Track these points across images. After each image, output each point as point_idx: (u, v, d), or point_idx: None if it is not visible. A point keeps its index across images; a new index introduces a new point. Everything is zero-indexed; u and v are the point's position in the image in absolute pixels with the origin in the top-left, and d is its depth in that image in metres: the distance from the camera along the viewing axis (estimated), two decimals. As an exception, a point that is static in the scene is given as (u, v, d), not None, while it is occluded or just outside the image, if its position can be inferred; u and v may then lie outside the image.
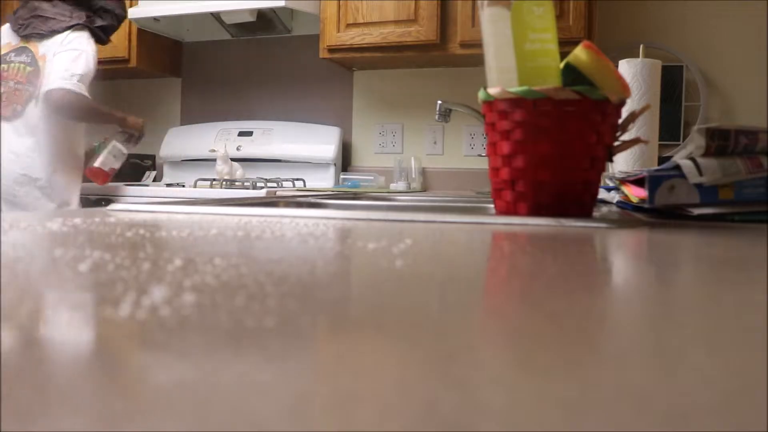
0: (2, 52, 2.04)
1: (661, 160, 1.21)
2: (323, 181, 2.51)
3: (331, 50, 2.32)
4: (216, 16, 2.52)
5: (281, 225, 0.62)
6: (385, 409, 0.14)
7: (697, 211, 0.77)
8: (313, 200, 1.33)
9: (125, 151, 2.09)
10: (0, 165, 1.93)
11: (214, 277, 0.32)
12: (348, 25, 2.28)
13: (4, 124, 1.97)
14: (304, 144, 2.55)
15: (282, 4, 2.30)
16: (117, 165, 2.09)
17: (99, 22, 2.05)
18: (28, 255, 0.38)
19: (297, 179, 2.40)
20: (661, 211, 0.82)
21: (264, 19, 2.56)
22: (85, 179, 2.09)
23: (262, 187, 2.12)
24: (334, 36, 2.30)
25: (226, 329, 0.22)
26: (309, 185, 2.40)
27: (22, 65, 1.98)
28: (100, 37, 2.08)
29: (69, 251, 0.40)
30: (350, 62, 2.49)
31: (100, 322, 0.22)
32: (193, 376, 0.16)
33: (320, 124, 2.62)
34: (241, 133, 2.62)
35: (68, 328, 0.22)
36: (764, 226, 0.70)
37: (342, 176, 2.49)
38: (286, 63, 2.71)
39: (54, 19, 1.99)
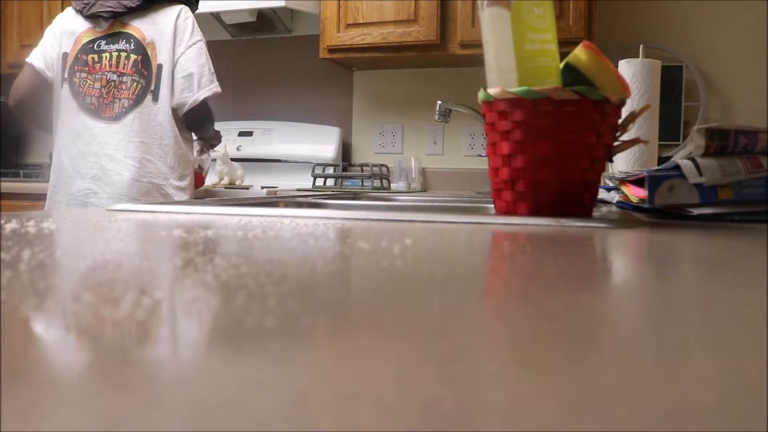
0: (83, 41, 1.69)
1: (661, 160, 1.21)
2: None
3: (331, 50, 2.33)
4: (216, 17, 2.53)
5: (281, 225, 0.62)
6: (385, 409, 0.14)
7: (696, 211, 0.77)
8: (313, 200, 1.33)
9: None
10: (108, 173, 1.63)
11: (213, 277, 0.32)
12: (348, 26, 2.29)
13: (111, 125, 1.65)
14: (305, 144, 2.55)
15: (282, 4, 2.30)
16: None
17: None
18: (28, 254, 0.38)
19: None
20: (660, 211, 0.82)
21: (264, 19, 2.56)
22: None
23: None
24: (334, 36, 2.30)
25: (226, 329, 0.22)
26: (308, 186, 2.40)
27: (122, 53, 1.65)
28: (193, 3, 1.77)
29: (70, 251, 0.40)
30: (350, 62, 2.49)
31: (100, 321, 0.22)
32: (193, 376, 0.16)
33: (320, 125, 2.62)
34: (241, 134, 2.62)
35: (68, 328, 0.22)
36: (764, 226, 0.70)
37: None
38: (286, 63, 2.71)
39: None
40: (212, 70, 1.71)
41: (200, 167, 1.96)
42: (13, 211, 1.26)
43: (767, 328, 0.23)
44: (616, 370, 0.18)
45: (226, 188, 2.17)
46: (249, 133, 2.60)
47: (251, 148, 2.57)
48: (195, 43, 1.68)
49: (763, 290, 0.31)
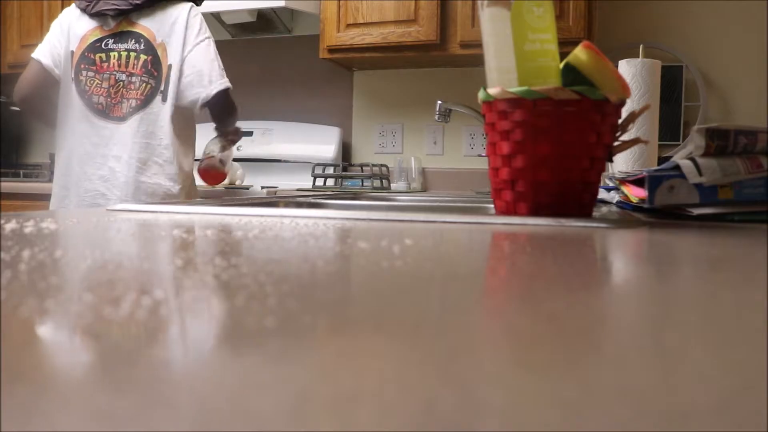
0: (90, 39, 1.67)
1: (661, 160, 1.21)
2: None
3: (331, 50, 2.32)
4: (216, 17, 2.52)
5: (281, 225, 0.62)
6: (385, 409, 0.14)
7: (696, 211, 0.77)
8: (313, 200, 1.33)
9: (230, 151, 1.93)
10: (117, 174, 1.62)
11: (214, 277, 0.32)
12: (348, 26, 2.29)
13: (120, 126, 1.64)
14: (305, 144, 2.55)
15: (282, 4, 2.30)
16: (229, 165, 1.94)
17: None
18: (29, 254, 0.38)
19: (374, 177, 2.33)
20: (660, 211, 0.82)
21: (264, 19, 2.56)
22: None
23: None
24: (334, 36, 2.30)
25: (227, 329, 0.22)
26: (308, 186, 2.40)
27: (131, 53, 1.63)
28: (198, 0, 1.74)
29: (70, 251, 0.40)
30: (350, 62, 2.49)
31: (101, 321, 0.22)
32: (193, 375, 0.16)
33: (320, 125, 2.62)
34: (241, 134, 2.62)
35: (68, 328, 0.22)
36: (764, 226, 0.70)
37: (342, 176, 2.50)
38: (286, 63, 2.71)
39: None
40: (222, 66, 1.68)
41: (222, 162, 1.87)
42: (14, 211, 1.26)
43: (767, 328, 0.23)
44: (616, 370, 0.18)
45: (226, 188, 2.17)
46: (249, 133, 2.60)
47: (251, 148, 2.56)
48: (203, 41, 1.65)
49: (763, 290, 0.31)
